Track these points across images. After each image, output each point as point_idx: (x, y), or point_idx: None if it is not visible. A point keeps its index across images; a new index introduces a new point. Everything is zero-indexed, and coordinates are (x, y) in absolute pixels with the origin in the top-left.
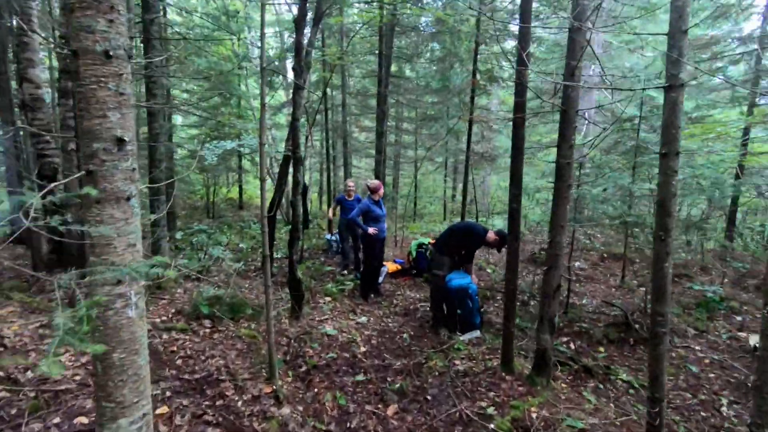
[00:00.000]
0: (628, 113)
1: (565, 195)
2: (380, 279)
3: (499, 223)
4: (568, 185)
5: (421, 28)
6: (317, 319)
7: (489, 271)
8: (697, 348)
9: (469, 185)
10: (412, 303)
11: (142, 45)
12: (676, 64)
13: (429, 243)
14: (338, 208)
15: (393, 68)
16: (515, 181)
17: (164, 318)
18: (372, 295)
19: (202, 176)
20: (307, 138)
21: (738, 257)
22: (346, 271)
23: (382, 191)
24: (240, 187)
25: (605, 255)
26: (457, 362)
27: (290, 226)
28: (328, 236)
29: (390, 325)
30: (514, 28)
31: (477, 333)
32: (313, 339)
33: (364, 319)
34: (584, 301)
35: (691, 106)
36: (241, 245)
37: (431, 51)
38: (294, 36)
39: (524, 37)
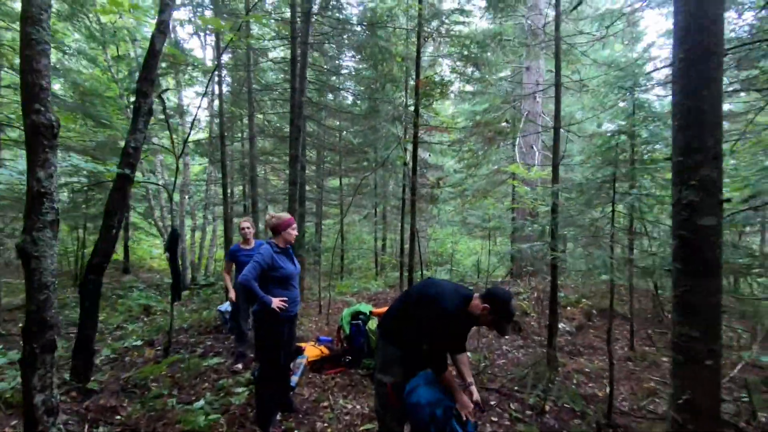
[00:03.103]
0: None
1: None
2: (294, 380)
3: (444, 275)
4: None
5: (347, 18)
6: None
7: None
8: None
9: (404, 230)
10: (351, 424)
11: None
12: None
13: (370, 312)
14: (234, 265)
15: (311, 95)
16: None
17: None
18: (277, 417)
19: (71, 234)
20: (177, 159)
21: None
22: (240, 365)
23: (293, 231)
24: (126, 246)
25: (593, 311)
26: None
27: (186, 292)
28: (222, 307)
29: None
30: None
31: None
32: None
33: None
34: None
35: None
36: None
37: (358, 71)
38: None
39: None
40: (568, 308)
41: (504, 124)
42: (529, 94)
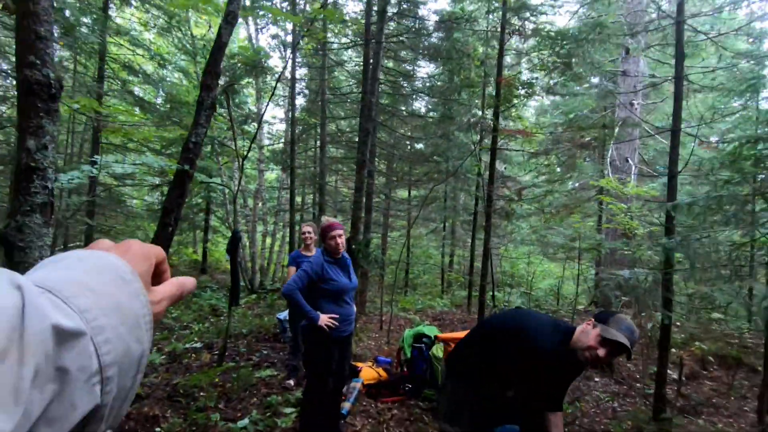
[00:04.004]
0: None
1: None
2: (346, 407)
3: (518, 301)
4: None
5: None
6: None
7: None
8: None
9: (475, 246)
10: None
11: None
12: None
13: (436, 337)
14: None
15: (384, 102)
16: None
17: None
18: None
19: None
20: (242, 161)
21: None
22: (292, 381)
23: (332, 240)
24: (204, 248)
25: (708, 357)
26: None
27: (253, 296)
28: (280, 315)
29: None
30: None
31: None
32: None
33: None
34: None
35: None
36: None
37: (432, 76)
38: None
39: None
40: (673, 350)
41: (601, 129)
42: (629, 92)
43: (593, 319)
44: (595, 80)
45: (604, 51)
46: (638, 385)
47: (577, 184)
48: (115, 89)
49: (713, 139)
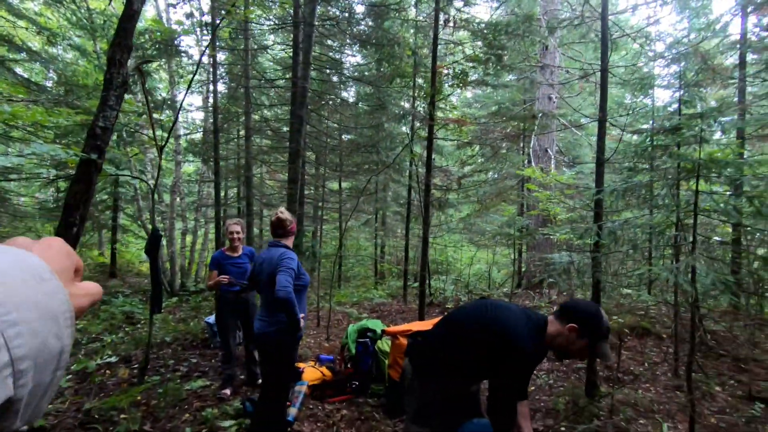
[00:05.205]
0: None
1: None
2: (293, 413)
3: (451, 288)
4: None
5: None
6: None
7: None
8: None
9: (406, 234)
10: None
11: None
12: None
13: (383, 332)
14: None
15: (314, 85)
16: None
17: None
18: None
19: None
20: (160, 151)
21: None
22: (228, 391)
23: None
24: (113, 249)
25: (625, 330)
26: None
27: (174, 299)
28: (209, 319)
29: None
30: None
31: None
32: None
33: None
34: None
35: None
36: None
37: (363, 66)
38: None
39: None
40: None
41: (530, 120)
42: (557, 84)
43: (576, 325)
44: (511, 77)
45: (530, 45)
46: (567, 360)
47: (497, 175)
48: None
49: (614, 132)
